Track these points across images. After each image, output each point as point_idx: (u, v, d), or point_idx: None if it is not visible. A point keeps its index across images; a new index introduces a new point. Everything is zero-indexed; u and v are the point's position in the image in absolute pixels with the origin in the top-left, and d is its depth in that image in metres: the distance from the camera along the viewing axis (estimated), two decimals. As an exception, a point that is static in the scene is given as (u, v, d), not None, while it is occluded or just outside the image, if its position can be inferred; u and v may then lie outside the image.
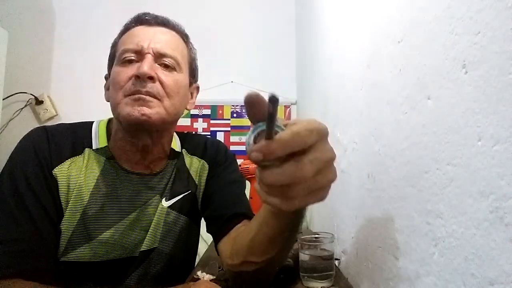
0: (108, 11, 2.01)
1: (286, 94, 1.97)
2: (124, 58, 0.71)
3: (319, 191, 0.36)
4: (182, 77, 0.76)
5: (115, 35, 0.80)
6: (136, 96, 0.68)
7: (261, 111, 0.34)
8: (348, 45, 0.91)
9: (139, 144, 0.75)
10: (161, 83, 0.71)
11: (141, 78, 0.68)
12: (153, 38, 0.72)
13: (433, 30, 0.47)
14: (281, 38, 2.06)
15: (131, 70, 0.70)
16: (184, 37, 0.80)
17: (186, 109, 0.81)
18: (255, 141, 0.34)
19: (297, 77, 2.04)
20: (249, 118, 0.36)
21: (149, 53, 0.71)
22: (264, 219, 0.58)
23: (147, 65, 0.69)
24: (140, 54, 0.71)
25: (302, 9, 1.87)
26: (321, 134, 0.34)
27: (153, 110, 0.69)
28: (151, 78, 0.69)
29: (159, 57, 0.72)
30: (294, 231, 0.59)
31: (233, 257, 0.67)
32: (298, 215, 0.55)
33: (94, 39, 1.97)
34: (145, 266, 0.77)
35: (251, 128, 0.35)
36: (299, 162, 0.33)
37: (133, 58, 0.71)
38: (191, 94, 0.83)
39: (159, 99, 0.70)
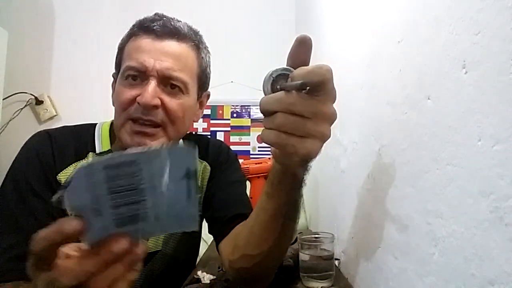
0: (108, 11, 2.01)
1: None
2: (128, 75, 0.68)
3: (306, 139, 0.38)
4: (188, 99, 0.72)
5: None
6: (137, 128, 0.67)
7: (302, 53, 0.42)
8: (348, 45, 0.91)
9: None
10: (165, 108, 0.68)
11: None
12: (159, 57, 0.67)
13: (433, 30, 0.47)
14: (281, 39, 2.05)
15: (134, 91, 0.67)
16: (195, 47, 0.74)
17: (193, 121, 0.78)
18: (272, 85, 0.40)
19: (297, 77, 2.03)
20: (289, 56, 0.42)
21: (154, 76, 0.67)
22: (260, 204, 0.58)
23: (150, 94, 0.65)
24: (144, 74, 0.67)
25: (302, 9, 1.87)
26: (327, 81, 0.38)
27: (156, 142, 0.68)
28: (154, 106, 0.66)
29: (164, 79, 0.68)
30: (289, 219, 0.57)
31: (234, 252, 0.66)
32: (292, 196, 0.54)
33: (94, 40, 1.97)
34: (148, 268, 0.77)
35: (268, 72, 0.42)
36: (291, 93, 0.38)
37: (136, 76, 0.68)
38: (200, 103, 0.80)
39: (162, 126, 0.68)
